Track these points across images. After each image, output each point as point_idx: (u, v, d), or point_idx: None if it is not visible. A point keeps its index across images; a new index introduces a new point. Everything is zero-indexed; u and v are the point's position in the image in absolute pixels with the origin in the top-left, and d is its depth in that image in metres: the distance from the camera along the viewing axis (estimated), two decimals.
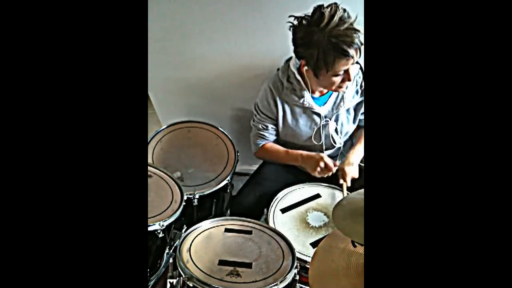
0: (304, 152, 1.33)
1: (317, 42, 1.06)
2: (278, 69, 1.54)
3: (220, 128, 1.54)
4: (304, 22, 1.10)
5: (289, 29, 1.14)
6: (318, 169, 1.26)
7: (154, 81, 1.64)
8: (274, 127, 1.38)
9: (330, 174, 1.29)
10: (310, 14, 1.09)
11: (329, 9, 1.05)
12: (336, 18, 1.04)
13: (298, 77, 1.25)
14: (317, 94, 1.31)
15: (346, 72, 1.13)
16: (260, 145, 1.41)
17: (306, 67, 1.18)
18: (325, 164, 1.25)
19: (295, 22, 1.12)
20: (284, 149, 1.38)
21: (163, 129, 1.51)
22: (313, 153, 1.31)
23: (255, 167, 1.55)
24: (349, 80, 1.15)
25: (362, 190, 0.86)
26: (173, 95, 1.76)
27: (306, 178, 1.41)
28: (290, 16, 1.12)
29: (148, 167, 1.28)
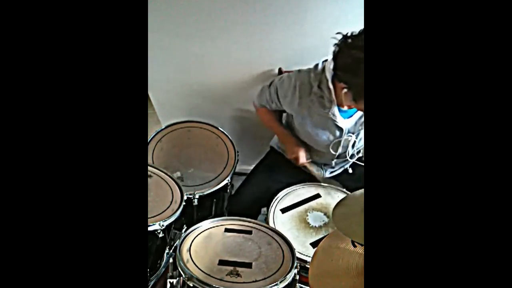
0: (288, 134, 1.39)
1: None
2: (279, 69, 1.54)
3: (220, 128, 1.54)
4: (350, 41, 0.99)
5: (333, 46, 1.05)
6: (291, 156, 1.39)
7: (154, 81, 1.64)
8: (279, 106, 1.35)
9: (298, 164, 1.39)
10: (357, 34, 1.00)
11: None
12: None
13: (331, 87, 1.15)
14: (345, 107, 1.21)
15: None
16: (260, 106, 1.45)
17: (345, 90, 1.08)
18: (296, 156, 1.36)
19: (340, 41, 1.02)
20: (277, 122, 1.44)
21: (163, 129, 1.51)
22: (294, 141, 1.37)
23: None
24: None
25: (362, 190, 0.86)
26: (173, 95, 1.76)
27: (306, 178, 1.41)
28: (337, 33, 1.03)
29: (148, 167, 1.28)
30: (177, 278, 0.98)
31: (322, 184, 1.36)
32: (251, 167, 1.54)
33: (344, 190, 1.33)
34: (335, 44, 1.05)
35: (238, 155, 1.45)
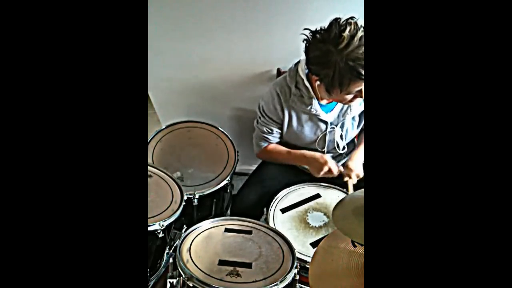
0: (308, 153, 1.31)
1: (334, 63, 1.02)
2: (278, 69, 1.54)
3: (220, 128, 1.54)
4: (318, 36, 1.04)
5: (303, 41, 1.09)
6: (322, 172, 1.26)
7: (154, 81, 1.64)
8: (278, 130, 1.36)
9: (331, 176, 1.29)
10: (325, 29, 1.04)
11: (348, 29, 0.99)
12: (356, 40, 0.98)
13: (307, 84, 1.21)
14: (324, 101, 1.28)
15: (359, 90, 1.10)
16: (263, 146, 1.40)
17: (318, 82, 1.14)
18: (329, 168, 1.25)
19: (309, 35, 1.07)
20: (287, 149, 1.37)
21: (163, 129, 1.51)
22: (317, 155, 1.29)
23: (255, 167, 1.56)
24: (361, 97, 1.12)
25: (362, 190, 0.86)
26: (173, 95, 1.76)
27: (306, 178, 1.41)
28: (305, 29, 1.08)
29: (148, 167, 1.28)
30: (177, 278, 0.98)
31: (322, 184, 1.36)
32: (251, 167, 1.54)
33: (344, 190, 1.33)
34: (304, 39, 1.09)
35: (238, 155, 1.45)
